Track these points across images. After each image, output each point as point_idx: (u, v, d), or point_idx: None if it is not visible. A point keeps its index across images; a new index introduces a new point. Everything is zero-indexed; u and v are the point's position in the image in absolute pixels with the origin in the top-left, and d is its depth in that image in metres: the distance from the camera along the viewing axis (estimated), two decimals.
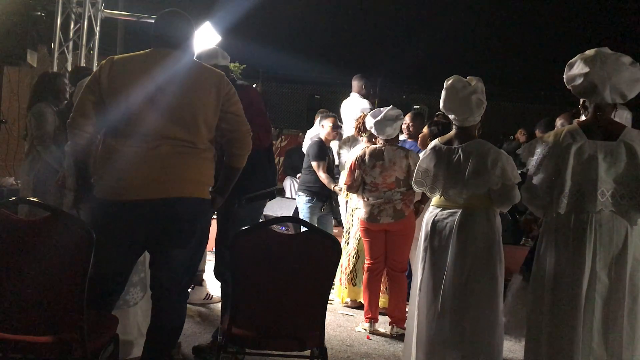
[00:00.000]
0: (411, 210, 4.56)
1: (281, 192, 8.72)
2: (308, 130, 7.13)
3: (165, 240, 2.77)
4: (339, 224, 6.38)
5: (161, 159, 2.72)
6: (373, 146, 4.62)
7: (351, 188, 4.68)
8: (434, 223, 3.37)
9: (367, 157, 4.56)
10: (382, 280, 4.84)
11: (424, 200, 4.55)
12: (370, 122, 4.58)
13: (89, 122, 2.75)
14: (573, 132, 2.89)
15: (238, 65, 12.80)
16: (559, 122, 4.38)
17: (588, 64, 2.82)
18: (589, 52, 2.89)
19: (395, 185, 4.48)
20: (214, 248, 3.90)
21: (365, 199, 4.60)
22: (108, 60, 2.82)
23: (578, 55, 2.91)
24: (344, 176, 4.86)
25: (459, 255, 3.26)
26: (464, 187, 3.26)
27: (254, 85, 4.71)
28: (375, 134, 4.58)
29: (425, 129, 4.85)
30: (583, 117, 3.00)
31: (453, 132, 3.43)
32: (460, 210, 3.29)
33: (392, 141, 4.58)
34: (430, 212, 3.44)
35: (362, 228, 4.68)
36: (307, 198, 5.53)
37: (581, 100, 2.95)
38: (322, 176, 5.46)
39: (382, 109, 4.62)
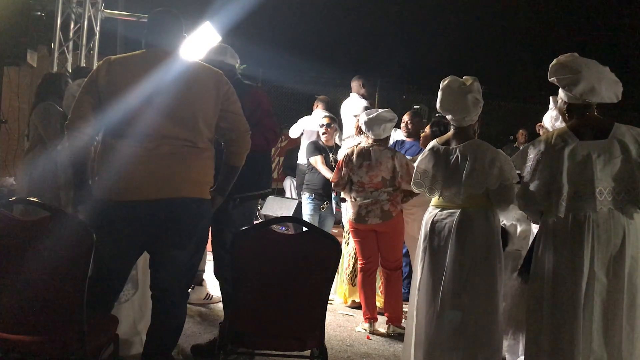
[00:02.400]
0: (399, 210, 4.55)
1: (281, 192, 8.72)
2: (302, 119, 7.27)
3: (165, 240, 2.77)
4: (338, 223, 6.40)
5: (161, 158, 2.72)
6: (361, 145, 4.62)
7: (337, 186, 4.68)
8: (433, 223, 3.37)
9: (354, 156, 4.56)
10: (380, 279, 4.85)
11: (405, 199, 4.55)
12: (362, 119, 4.59)
13: (87, 124, 2.75)
14: (563, 135, 2.91)
15: (238, 65, 12.77)
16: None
17: (577, 68, 2.87)
18: (565, 58, 2.93)
19: (382, 185, 4.48)
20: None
21: (353, 199, 4.60)
22: (105, 61, 2.82)
23: (558, 64, 2.94)
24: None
25: (458, 256, 3.25)
26: (461, 187, 3.26)
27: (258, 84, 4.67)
28: (364, 130, 4.58)
29: (427, 129, 4.85)
30: (559, 122, 3.04)
31: (451, 132, 3.43)
32: (459, 211, 3.29)
33: (381, 142, 4.57)
34: (430, 213, 3.44)
35: (351, 229, 4.68)
36: (307, 195, 5.60)
37: (565, 104, 2.97)
38: (322, 168, 5.51)
39: (379, 109, 4.64)
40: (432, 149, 3.45)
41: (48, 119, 4.57)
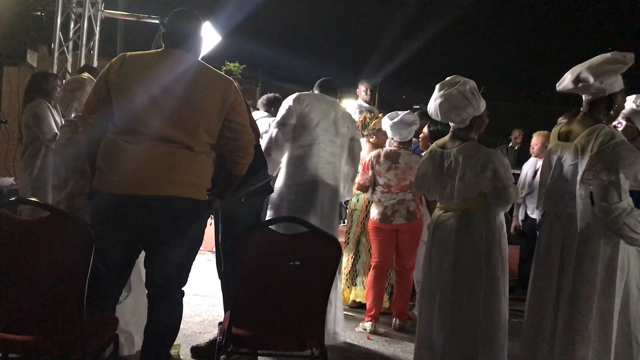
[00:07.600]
0: (422, 212, 4.62)
1: None
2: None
3: (157, 237, 2.78)
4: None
5: (155, 158, 2.72)
6: (388, 148, 4.71)
7: (363, 187, 4.72)
8: (436, 226, 3.36)
9: (382, 158, 4.62)
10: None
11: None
12: (386, 124, 4.66)
13: (96, 118, 2.81)
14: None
15: (238, 65, 12.76)
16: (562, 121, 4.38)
17: None
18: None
19: (409, 187, 4.52)
20: (213, 248, 3.89)
21: (378, 200, 4.64)
22: (120, 57, 2.84)
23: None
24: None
25: (458, 258, 3.22)
26: (454, 191, 3.23)
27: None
28: (391, 135, 4.67)
29: (425, 130, 4.85)
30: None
31: (449, 134, 3.40)
32: (459, 212, 3.27)
33: (406, 144, 4.66)
34: (434, 215, 3.44)
35: (373, 227, 4.71)
36: None
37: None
38: None
39: (399, 112, 4.71)
40: (430, 151, 3.43)
41: (38, 117, 4.58)
